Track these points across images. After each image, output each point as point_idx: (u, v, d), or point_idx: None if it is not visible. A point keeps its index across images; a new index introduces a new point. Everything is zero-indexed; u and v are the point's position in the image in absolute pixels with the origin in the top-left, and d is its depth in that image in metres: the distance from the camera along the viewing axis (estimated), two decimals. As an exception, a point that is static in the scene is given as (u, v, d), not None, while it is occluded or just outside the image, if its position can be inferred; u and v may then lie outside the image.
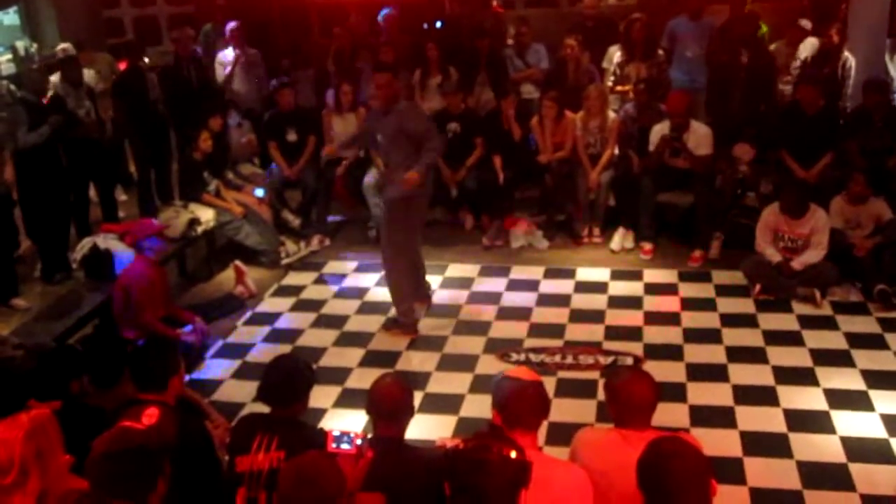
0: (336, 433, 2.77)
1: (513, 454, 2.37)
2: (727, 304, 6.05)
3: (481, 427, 3.27)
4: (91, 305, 5.83)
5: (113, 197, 7.80)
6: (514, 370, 2.97)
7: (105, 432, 2.92)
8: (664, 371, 5.08)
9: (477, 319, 6.04)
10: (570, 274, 6.70)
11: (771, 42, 8.20)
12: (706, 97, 7.93)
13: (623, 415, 2.93)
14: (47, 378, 3.81)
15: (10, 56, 10.14)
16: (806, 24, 7.92)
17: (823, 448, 4.43)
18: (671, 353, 5.45)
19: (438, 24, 9.87)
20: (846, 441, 4.47)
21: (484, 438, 2.47)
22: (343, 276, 6.91)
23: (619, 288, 6.42)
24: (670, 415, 4.58)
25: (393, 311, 6.03)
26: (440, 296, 6.42)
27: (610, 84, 7.79)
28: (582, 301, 6.24)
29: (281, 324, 6.19)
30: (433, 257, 6.87)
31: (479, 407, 4.80)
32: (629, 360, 5.38)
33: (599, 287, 6.45)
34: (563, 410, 4.72)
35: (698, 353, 5.43)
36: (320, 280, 6.88)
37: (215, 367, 5.60)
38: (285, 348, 5.76)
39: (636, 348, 5.52)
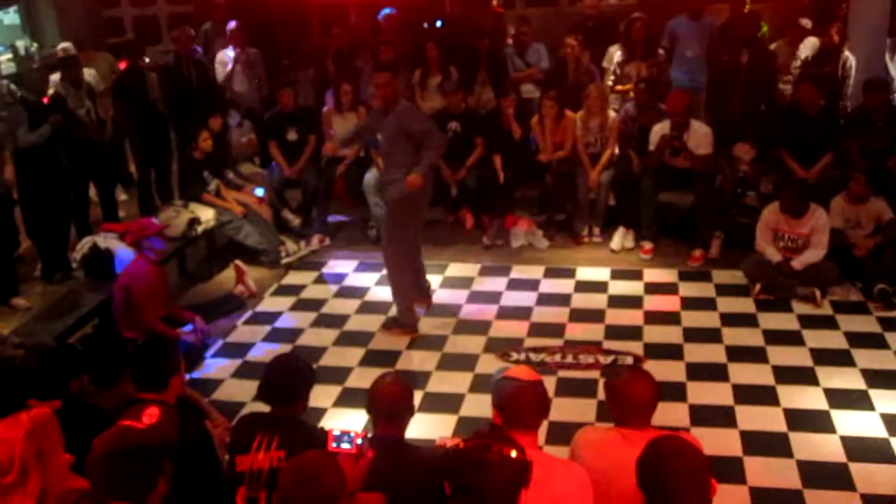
0: (336, 432, 2.76)
1: (513, 453, 2.37)
2: (727, 304, 6.05)
3: (481, 426, 3.27)
4: (91, 305, 5.83)
5: (113, 196, 7.80)
6: (514, 369, 2.97)
7: (105, 432, 2.92)
8: (664, 370, 5.08)
9: (477, 319, 6.04)
10: (570, 273, 6.70)
11: (771, 41, 8.20)
12: (706, 97, 7.92)
13: (623, 414, 2.93)
14: (47, 377, 3.81)
15: (10, 55, 10.16)
16: (806, 23, 7.91)
17: (824, 447, 4.43)
18: (671, 352, 5.45)
19: (438, 24, 9.87)
20: (846, 440, 4.47)
21: (484, 438, 2.47)
22: (343, 275, 6.91)
23: (620, 287, 6.42)
24: (670, 414, 4.58)
25: (393, 311, 6.03)
26: (440, 295, 6.42)
27: (610, 83, 7.79)
28: (582, 300, 6.24)
29: (281, 323, 6.19)
30: (433, 257, 6.87)
31: (480, 406, 4.80)
32: (629, 360, 5.39)
33: (600, 286, 6.45)
34: (564, 410, 4.73)
35: (698, 353, 5.43)
36: (320, 279, 6.88)
37: (215, 367, 5.60)
38: (285, 348, 5.76)
39: (636, 348, 5.53)
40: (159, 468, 2.55)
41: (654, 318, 5.92)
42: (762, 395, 4.92)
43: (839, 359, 5.28)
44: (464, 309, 6.22)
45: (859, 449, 4.39)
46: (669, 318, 5.90)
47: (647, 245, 6.92)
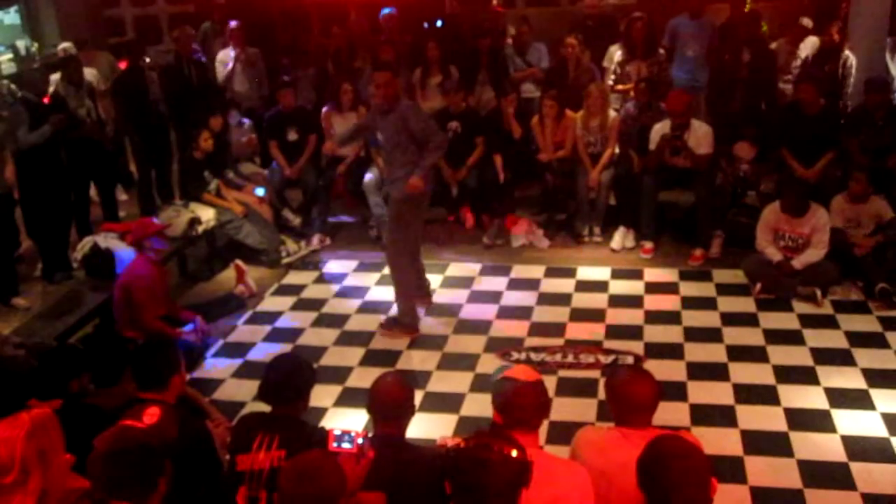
0: (337, 432, 2.76)
1: (514, 453, 2.37)
2: (728, 303, 6.05)
3: (482, 426, 3.27)
4: (92, 305, 5.84)
5: (113, 196, 7.80)
6: (514, 369, 2.96)
7: (106, 431, 2.92)
8: (665, 370, 5.09)
9: (478, 318, 6.04)
10: (570, 273, 6.70)
11: (772, 41, 8.20)
12: (707, 96, 7.93)
13: (623, 414, 2.93)
14: (48, 377, 3.82)
15: (10, 55, 10.15)
16: (807, 22, 7.92)
17: (824, 447, 4.43)
18: (672, 351, 5.45)
19: (439, 24, 9.88)
20: (847, 440, 4.46)
21: (485, 437, 2.47)
22: (344, 275, 6.91)
23: (620, 287, 6.42)
24: (671, 414, 4.58)
25: (393, 311, 6.03)
26: (441, 295, 6.42)
27: (610, 83, 7.78)
28: (582, 300, 6.24)
29: (281, 323, 6.19)
30: (433, 257, 6.88)
31: (480, 406, 4.79)
32: (630, 359, 5.38)
33: (600, 286, 6.45)
34: (564, 409, 4.73)
35: (699, 352, 5.42)
36: (321, 279, 6.88)
37: (216, 367, 5.60)
38: (286, 347, 5.76)
39: (637, 347, 5.52)
40: (160, 468, 2.55)
41: (654, 317, 5.92)
42: (763, 395, 4.92)
43: (840, 358, 5.27)
44: (464, 308, 6.22)
45: (860, 448, 4.39)
46: (670, 318, 5.90)
47: (648, 244, 6.92)
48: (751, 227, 6.37)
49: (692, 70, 7.95)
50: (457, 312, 6.15)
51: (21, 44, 10.30)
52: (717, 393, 4.96)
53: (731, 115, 7.55)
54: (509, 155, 7.43)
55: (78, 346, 5.25)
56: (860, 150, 6.56)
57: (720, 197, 6.95)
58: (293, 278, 6.91)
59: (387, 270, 6.22)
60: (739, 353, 5.38)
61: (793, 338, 5.55)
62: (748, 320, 5.81)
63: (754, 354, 5.36)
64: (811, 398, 4.87)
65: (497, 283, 6.60)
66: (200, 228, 6.88)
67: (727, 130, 7.09)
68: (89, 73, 7.63)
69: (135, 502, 2.48)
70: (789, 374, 5.11)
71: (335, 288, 6.70)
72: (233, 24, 8.39)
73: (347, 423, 4.69)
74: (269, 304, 6.50)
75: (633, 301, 6.17)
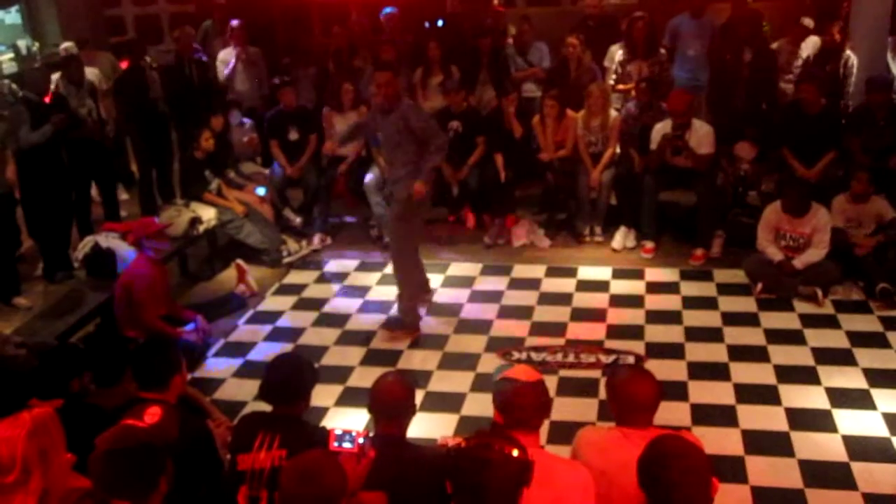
0: (338, 432, 2.76)
1: (515, 452, 2.37)
2: (729, 303, 6.05)
3: (483, 426, 3.27)
4: (93, 304, 5.84)
5: (115, 196, 7.80)
6: (514, 369, 2.96)
7: (107, 431, 2.92)
8: (665, 370, 5.09)
9: (478, 318, 6.04)
10: (571, 272, 6.70)
11: (773, 40, 8.19)
12: (708, 96, 7.92)
13: (624, 413, 2.93)
14: (49, 377, 3.81)
15: (11, 55, 10.16)
16: (808, 22, 7.90)
17: (825, 447, 4.43)
18: (673, 351, 5.45)
19: (440, 23, 9.87)
20: (848, 440, 4.46)
21: (486, 437, 2.47)
22: (345, 274, 6.91)
23: (621, 286, 6.42)
24: (672, 413, 4.58)
25: (393, 310, 6.03)
26: (442, 294, 6.42)
27: (612, 83, 7.77)
28: (583, 300, 6.24)
29: (282, 322, 6.19)
30: (434, 256, 6.88)
31: (481, 405, 4.80)
32: (631, 359, 5.39)
33: (601, 286, 6.45)
34: (565, 409, 4.73)
35: (700, 352, 5.42)
36: (322, 279, 6.89)
37: (217, 366, 5.60)
38: (287, 347, 5.76)
39: (638, 347, 5.52)
40: (161, 467, 2.55)
41: (655, 317, 5.92)
42: (764, 395, 4.92)
43: (841, 358, 5.27)
44: (465, 308, 6.22)
45: (861, 448, 4.39)
46: (671, 318, 5.90)
47: (649, 244, 6.92)
48: (752, 227, 6.38)
49: (693, 70, 7.95)
50: (458, 312, 6.15)
51: (22, 43, 10.31)
52: (717, 393, 4.96)
53: (732, 114, 7.54)
54: (510, 155, 7.42)
55: (79, 345, 5.25)
56: (861, 149, 6.56)
57: (721, 197, 6.95)
58: (294, 278, 6.91)
59: (388, 270, 6.22)
60: (740, 353, 5.38)
61: (794, 338, 5.55)
62: (749, 320, 5.81)
63: (755, 354, 5.37)
64: (812, 398, 4.87)
65: (498, 282, 6.60)
66: (201, 228, 6.89)
67: (728, 130, 7.09)
68: (90, 73, 7.63)
69: (136, 502, 2.48)
70: (790, 374, 5.11)
71: (336, 287, 6.70)
72: (234, 23, 8.40)
73: (348, 422, 4.69)
74: (270, 303, 6.50)
75: (633, 301, 6.17)
